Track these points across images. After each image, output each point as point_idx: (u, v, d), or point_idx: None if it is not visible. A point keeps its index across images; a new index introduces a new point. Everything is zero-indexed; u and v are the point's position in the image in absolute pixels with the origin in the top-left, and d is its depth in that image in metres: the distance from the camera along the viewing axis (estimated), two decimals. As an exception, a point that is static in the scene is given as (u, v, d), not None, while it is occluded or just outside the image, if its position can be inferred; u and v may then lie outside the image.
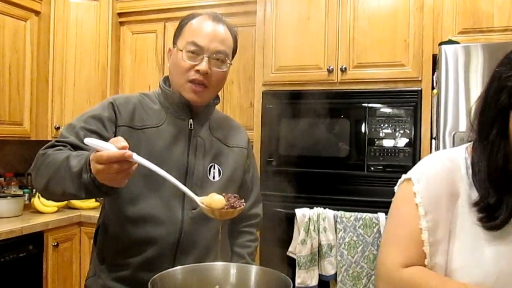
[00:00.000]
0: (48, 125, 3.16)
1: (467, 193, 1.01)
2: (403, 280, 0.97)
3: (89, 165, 1.04)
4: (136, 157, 1.00)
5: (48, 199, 1.29)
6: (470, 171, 1.02)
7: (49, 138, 3.14)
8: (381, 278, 1.00)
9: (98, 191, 1.07)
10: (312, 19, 2.64)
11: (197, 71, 1.34)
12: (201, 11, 1.44)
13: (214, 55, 1.36)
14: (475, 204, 0.98)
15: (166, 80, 1.47)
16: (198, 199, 1.10)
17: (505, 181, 0.97)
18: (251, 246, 1.57)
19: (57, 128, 3.14)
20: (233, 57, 1.45)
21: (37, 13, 3.12)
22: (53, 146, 1.23)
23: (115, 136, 1.29)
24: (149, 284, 0.91)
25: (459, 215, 1.00)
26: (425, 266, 0.98)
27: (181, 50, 1.36)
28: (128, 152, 0.98)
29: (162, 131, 1.37)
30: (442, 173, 1.03)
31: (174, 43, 1.42)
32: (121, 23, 3.38)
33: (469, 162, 1.03)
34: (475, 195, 1.00)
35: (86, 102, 3.23)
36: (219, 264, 1.04)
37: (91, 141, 1.01)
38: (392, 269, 0.99)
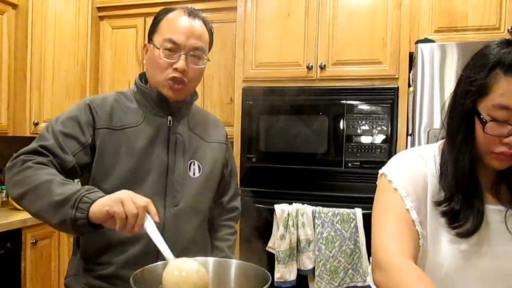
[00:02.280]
0: (26, 120, 3.12)
1: (434, 188, 1.04)
2: (398, 269, 0.93)
3: (79, 201, 1.07)
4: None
5: (18, 205, 1.27)
6: (438, 168, 1.04)
7: (27, 134, 3.12)
8: (378, 265, 0.96)
9: (76, 229, 1.09)
10: (292, 15, 2.65)
11: (175, 69, 1.34)
12: (177, 6, 1.42)
13: (191, 52, 1.35)
14: (438, 203, 1.01)
15: (142, 77, 1.46)
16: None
17: (472, 186, 0.99)
18: (231, 240, 1.59)
19: (36, 124, 3.11)
20: (209, 50, 1.45)
21: (14, 6, 3.06)
22: (35, 151, 1.23)
23: (92, 139, 1.31)
24: (130, 279, 0.92)
25: (428, 209, 1.03)
26: (419, 247, 0.99)
27: (158, 48, 1.35)
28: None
29: (141, 130, 1.36)
30: (414, 164, 1.06)
31: (150, 38, 1.41)
32: (101, 18, 3.34)
33: (438, 160, 1.05)
34: (441, 193, 1.02)
35: (65, 98, 3.20)
36: (199, 259, 1.05)
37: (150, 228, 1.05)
38: (388, 256, 0.95)
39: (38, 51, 3.13)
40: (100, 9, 3.32)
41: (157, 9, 3.03)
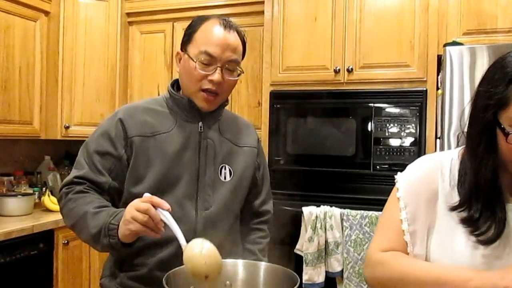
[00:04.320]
0: (58, 124, 3.19)
1: (446, 193, 1.08)
2: (381, 260, 1.09)
3: (107, 229, 1.21)
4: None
5: None
6: (455, 173, 1.07)
7: (59, 137, 3.20)
8: (365, 261, 1.12)
9: (117, 251, 1.27)
10: (319, 19, 2.67)
11: (210, 80, 1.37)
12: (210, 15, 1.45)
13: (227, 65, 1.38)
14: (452, 208, 1.05)
15: (174, 84, 1.49)
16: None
17: (494, 194, 1.01)
18: (262, 243, 1.61)
19: (67, 127, 3.18)
20: (242, 59, 1.47)
21: (46, 13, 3.15)
22: (72, 183, 1.37)
23: (126, 150, 1.39)
24: (163, 280, 0.95)
25: (438, 214, 1.08)
26: (407, 254, 1.08)
27: (193, 60, 1.37)
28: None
29: (173, 135, 1.41)
30: (423, 173, 1.13)
31: (184, 47, 1.43)
32: (130, 23, 3.42)
33: (456, 164, 1.08)
34: (456, 198, 1.05)
35: (95, 101, 3.28)
36: (228, 261, 1.08)
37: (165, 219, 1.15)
38: (372, 252, 1.12)
39: (69, 56, 3.20)
40: (129, 14, 3.40)
41: (185, 15, 3.15)
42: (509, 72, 0.95)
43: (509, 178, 1.04)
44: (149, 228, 1.14)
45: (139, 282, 1.37)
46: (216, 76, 1.36)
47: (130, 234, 1.17)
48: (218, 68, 1.37)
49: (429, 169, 1.12)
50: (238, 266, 1.11)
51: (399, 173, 1.17)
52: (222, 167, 1.45)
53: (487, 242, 1.00)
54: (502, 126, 0.96)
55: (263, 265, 1.11)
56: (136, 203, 1.16)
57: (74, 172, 1.39)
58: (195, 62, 1.36)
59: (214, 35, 1.37)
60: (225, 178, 1.44)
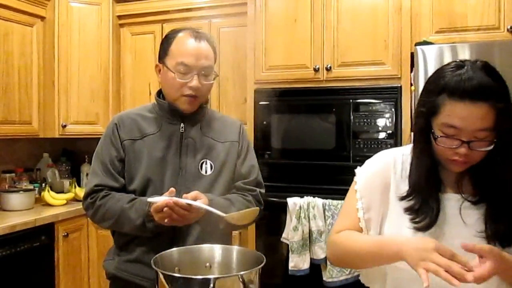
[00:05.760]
0: (55, 123, 3.33)
1: (396, 185, 1.23)
2: (334, 240, 1.27)
3: (149, 216, 1.46)
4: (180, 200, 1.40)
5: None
6: (407, 167, 1.23)
7: (56, 136, 3.34)
8: (327, 246, 1.33)
9: (159, 229, 1.49)
10: (299, 21, 2.80)
11: (190, 87, 1.55)
12: (182, 28, 1.62)
13: (202, 72, 1.57)
14: (401, 198, 1.21)
15: (160, 92, 1.68)
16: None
17: (430, 188, 1.17)
18: (247, 200, 1.68)
19: (64, 126, 3.32)
20: (214, 63, 1.64)
21: (42, 18, 3.27)
22: (94, 191, 1.58)
23: (123, 150, 1.59)
24: (152, 261, 1.11)
25: (391, 203, 1.23)
26: None
27: (171, 71, 1.55)
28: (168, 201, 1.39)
29: (158, 137, 1.60)
30: (378, 167, 1.29)
31: (162, 60, 1.61)
32: (121, 25, 3.54)
33: (408, 159, 1.24)
34: (404, 188, 1.21)
35: (90, 101, 3.42)
36: (206, 246, 1.25)
37: (153, 199, 1.43)
38: (330, 235, 1.31)
39: (64, 59, 3.33)
40: (120, 17, 3.52)
41: (173, 16, 3.29)
42: (441, 83, 1.10)
43: (447, 173, 1.20)
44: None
45: (131, 265, 1.57)
46: (194, 82, 1.55)
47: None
48: (195, 76, 1.55)
49: (384, 163, 1.28)
50: (215, 250, 1.26)
51: (358, 167, 1.33)
52: (203, 162, 1.62)
53: (422, 229, 1.16)
54: (433, 131, 1.12)
55: (235, 248, 1.26)
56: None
57: (92, 182, 1.59)
58: (174, 73, 1.55)
59: (187, 46, 1.56)
60: (206, 172, 1.62)
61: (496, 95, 1.05)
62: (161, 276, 1.04)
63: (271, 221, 2.78)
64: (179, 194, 1.54)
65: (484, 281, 0.98)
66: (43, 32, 3.29)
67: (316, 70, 2.76)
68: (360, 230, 1.25)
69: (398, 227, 1.20)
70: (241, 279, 1.00)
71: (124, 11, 3.51)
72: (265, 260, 1.10)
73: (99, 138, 1.69)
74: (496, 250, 1.01)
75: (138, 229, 1.50)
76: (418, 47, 2.38)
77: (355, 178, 1.31)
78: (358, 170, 1.32)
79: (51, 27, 3.30)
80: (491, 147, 1.08)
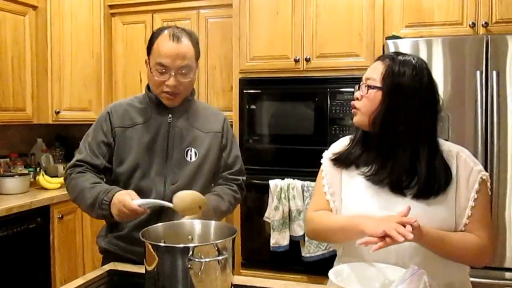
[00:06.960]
0: (49, 110, 3.42)
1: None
2: (312, 217, 1.49)
3: (100, 203, 1.57)
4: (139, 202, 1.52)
5: None
6: None
7: (50, 122, 3.44)
8: (305, 222, 1.57)
9: (109, 219, 1.66)
10: (281, 14, 2.96)
11: (167, 85, 1.67)
12: (165, 27, 1.72)
13: (180, 71, 1.67)
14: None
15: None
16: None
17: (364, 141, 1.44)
18: (230, 193, 1.83)
19: (57, 112, 3.43)
20: (198, 57, 1.75)
21: (34, 7, 3.33)
22: (74, 165, 1.72)
23: (113, 138, 1.73)
24: (140, 234, 1.27)
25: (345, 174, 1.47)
26: (331, 210, 1.47)
27: (151, 69, 1.68)
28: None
29: (147, 126, 1.75)
30: (338, 149, 1.51)
31: (148, 57, 1.73)
32: (112, 14, 3.63)
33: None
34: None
35: (82, 88, 3.52)
36: (188, 221, 1.42)
37: (141, 202, 1.52)
38: (307, 213, 1.54)
39: (57, 47, 3.42)
40: (111, 6, 3.61)
41: (163, 7, 3.44)
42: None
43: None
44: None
45: (121, 241, 1.74)
46: (171, 81, 1.67)
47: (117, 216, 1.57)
48: (172, 75, 1.66)
49: (343, 146, 1.51)
50: (195, 224, 1.42)
51: (325, 151, 1.54)
52: (188, 149, 1.77)
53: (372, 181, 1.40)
54: None
55: (213, 223, 1.42)
56: (121, 199, 1.53)
57: (76, 157, 1.75)
58: (152, 72, 1.68)
59: (164, 48, 1.65)
60: (191, 159, 1.76)
61: None
62: (149, 246, 1.20)
63: (254, 201, 2.98)
64: (166, 178, 1.72)
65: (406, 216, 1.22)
66: (35, 21, 3.35)
67: (296, 61, 2.92)
68: (327, 203, 1.47)
69: (355, 189, 1.43)
70: (216, 247, 1.17)
71: (115, 0, 3.58)
72: (237, 232, 1.28)
73: (92, 124, 1.81)
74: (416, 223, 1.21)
75: (88, 209, 1.64)
76: (387, 41, 2.56)
77: (322, 160, 1.54)
78: (324, 153, 1.55)
79: (43, 16, 3.37)
80: None
